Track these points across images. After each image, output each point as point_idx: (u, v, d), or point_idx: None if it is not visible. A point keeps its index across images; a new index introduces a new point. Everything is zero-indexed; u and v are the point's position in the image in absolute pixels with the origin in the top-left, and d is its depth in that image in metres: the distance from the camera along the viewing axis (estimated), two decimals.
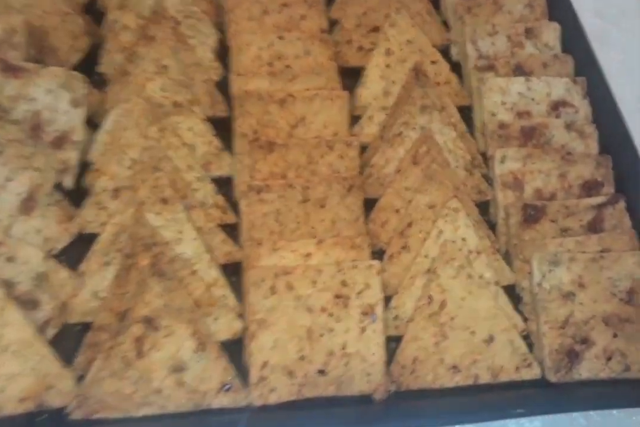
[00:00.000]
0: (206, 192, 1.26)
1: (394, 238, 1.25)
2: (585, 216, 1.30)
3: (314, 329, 1.11)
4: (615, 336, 1.17)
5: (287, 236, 1.20)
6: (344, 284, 1.14)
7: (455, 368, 1.15)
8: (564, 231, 1.30)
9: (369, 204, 1.28)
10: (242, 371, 1.09)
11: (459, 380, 1.14)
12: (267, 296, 1.11)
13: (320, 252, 1.17)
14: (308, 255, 1.18)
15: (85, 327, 1.08)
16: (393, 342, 1.16)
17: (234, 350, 1.12)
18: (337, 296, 1.12)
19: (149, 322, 1.03)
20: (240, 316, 1.15)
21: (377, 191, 1.32)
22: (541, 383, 1.16)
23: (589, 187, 1.35)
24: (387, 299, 1.17)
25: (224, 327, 1.15)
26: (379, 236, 1.28)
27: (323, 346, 1.10)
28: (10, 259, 1.06)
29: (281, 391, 1.05)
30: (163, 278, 1.07)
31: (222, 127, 1.34)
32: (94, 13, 1.40)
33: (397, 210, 1.29)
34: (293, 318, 1.10)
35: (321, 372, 1.09)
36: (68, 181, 1.23)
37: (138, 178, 1.17)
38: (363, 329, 1.12)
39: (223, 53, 1.39)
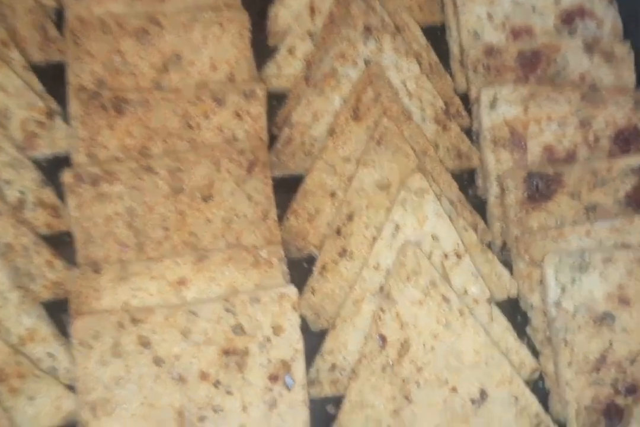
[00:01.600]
0: (24, 184, 1.03)
1: (328, 239, 1.06)
2: (622, 184, 1.09)
3: (188, 410, 0.91)
4: None
5: (148, 251, 1.00)
6: (237, 330, 0.93)
7: None
8: (591, 210, 1.09)
9: (287, 187, 1.10)
10: None
11: None
12: (106, 361, 0.91)
13: (202, 277, 0.96)
14: (181, 282, 0.96)
15: None
16: (325, 405, 1.01)
17: None
18: (227, 352, 0.92)
19: None
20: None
21: (299, 165, 1.12)
22: None
23: (626, 139, 1.14)
24: (317, 339, 1.02)
25: (46, 409, 0.94)
26: (305, 236, 1.08)
27: None
28: None
29: None
30: None
31: (60, 79, 1.10)
32: None
33: (332, 195, 1.08)
34: (153, 395, 0.91)
35: None
36: None
37: None
38: (272, 404, 0.92)
39: None
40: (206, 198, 1.02)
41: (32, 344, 0.95)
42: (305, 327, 0.98)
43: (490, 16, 1.20)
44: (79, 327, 0.91)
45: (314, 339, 1.00)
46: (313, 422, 0.95)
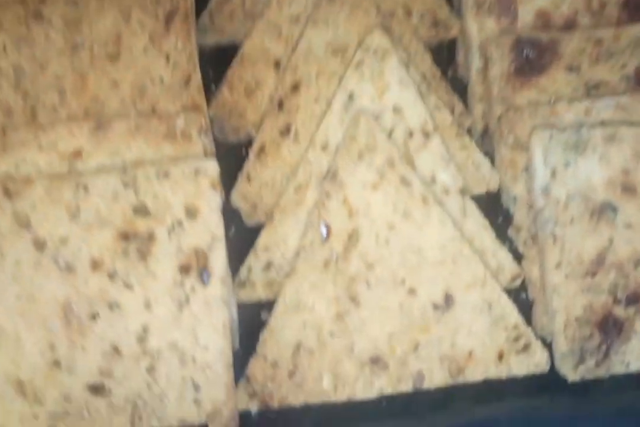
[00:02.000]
0: None
1: (268, 116, 1.01)
2: (630, 57, 1.03)
3: (77, 305, 0.84)
4: None
5: (39, 118, 0.93)
6: (140, 210, 0.85)
7: (376, 362, 0.91)
8: (594, 88, 1.03)
9: (222, 56, 1.04)
10: None
11: (383, 385, 0.91)
12: None
13: (101, 149, 0.88)
14: (76, 155, 0.88)
15: None
16: (258, 312, 0.95)
17: None
18: (126, 236, 0.85)
19: None
20: None
21: (237, 29, 1.06)
22: (549, 382, 0.95)
23: (637, 5, 1.07)
24: (252, 235, 0.96)
25: None
26: (242, 113, 1.03)
27: (97, 339, 0.85)
28: None
29: None
30: None
31: None
32: None
33: (276, 64, 1.03)
34: (32, 286, 0.84)
35: (95, 390, 0.85)
36: None
37: None
38: (183, 301, 0.84)
39: None
40: (112, 56, 0.95)
41: None
42: (238, 222, 0.94)
43: None
44: None
45: (248, 235, 0.96)
46: (244, 331, 0.90)
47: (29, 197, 0.83)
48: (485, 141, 1.06)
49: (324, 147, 0.96)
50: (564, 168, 0.95)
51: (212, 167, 0.86)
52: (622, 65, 1.03)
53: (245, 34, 1.04)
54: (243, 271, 0.94)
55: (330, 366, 0.88)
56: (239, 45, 1.04)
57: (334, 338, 0.90)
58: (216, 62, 1.03)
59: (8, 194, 0.83)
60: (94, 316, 0.84)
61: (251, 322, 0.94)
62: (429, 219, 0.92)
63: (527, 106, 1.02)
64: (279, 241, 0.96)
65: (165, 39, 0.96)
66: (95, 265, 0.84)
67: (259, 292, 0.94)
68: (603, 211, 0.95)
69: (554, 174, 0.95)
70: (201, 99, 0.97)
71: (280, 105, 0.99)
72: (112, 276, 0.84)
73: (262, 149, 0.99)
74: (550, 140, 0.96)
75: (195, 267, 0.85)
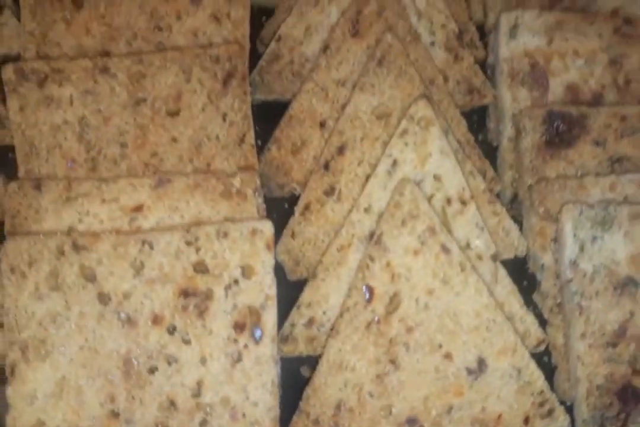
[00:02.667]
0: None
1: (314, 175, 1.05)
2: None
3: (137, 359, 0.89)
4: None
5: (100, 171, 0.97)
6: (199, 268, 0.90)
7: (413, 423, 0.95)
8: (617, 162, 1.08)
9: (270, 113, 1.09)
10: None
11: None
12: (42, 294, 0.89)
13: (162, 205, 0.94)
14: (137, 209, 0.93)
15: None
16: (298, 367, 1.00)
17: None
18: (186, 293, 0.90)
19: None
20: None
21: (285, 88, 1.11)
22: None
23: None
24: (294, 290, 1.01)
25: None
26: (288, 171, 1.07)
27: (155, 392, 0.89)
28: None
29: None
30: None
31: None
32: None
33: (322, 124, 1.07)
34: (95, 338, 0.88)
35: None
36: None
37: None
38: (236, 358, 0.90)
39: None
40: (172, 113, 0.99)
41: None
42: (281, 276, 0.96)
43: None
44: (11, 250, 0.89)
45: (290, 290, 0.99)
46: (283, 384, 0.93)
47: (96, 251, 0.87)
48: (514, 207, 1.10)
49: (367, 210, 1.00)
50: (592, 243, 1.00)
51: (267, 228, 0.91)
52: None
53: (293, 94, 1.08)
54: (286, 326, 0.96)
55: (369, 426, 0.91)
56: (286, 103, 1.08)
57: (373, 398, 0.94)
58: (263, 119, 1.06)
59: (76, 248, 0.87)
60: (152, 370, 0.89)
61: (291, 376, 0.98)
62: (466, 286, 0.96)
63: (556, 179, 1.06)
64: (321, 298, 1.00)
65: (223, 98, 1.01)
66: (156, 320, 0.88)
67: (301, 348, 0.98)
68: (626, 285, 0.99)
69: (582, 248, 1.00)
70: (254, 158, 1.02)
71: (326, 166, 1.03)
72: (171, 330, 0.88)
73: (306, 207, 1.03)
74: (580, 216, 1.01)
75: (248, 325, 0.89)
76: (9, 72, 0.98)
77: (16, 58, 1.07)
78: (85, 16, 1.02)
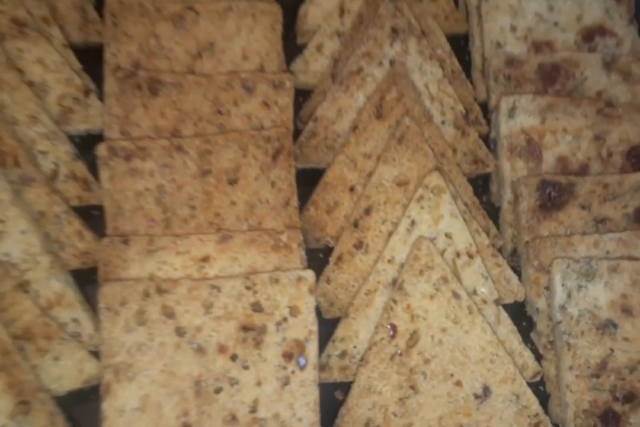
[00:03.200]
0: (58, 156, 1.08)
1: (345, 231, 1.10)
2: (631, 199, 1.13)
3: (205, 380, 0.96)
4: None
5: (174, 228, 1.05)
6: (256, 308, 0.99)
7: None
8: (600, 223, 1.13)
9: (308, 179, 1.15)
10: None
11: None
12: (130, 327, 0.96)
13: (225, 256, 1.02)
14: (204, 260, 1.01)
15: None
16: (333, 391, 1.07)
17: None
18: (245, 328, 0.98)
19: None
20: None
21: (321, 159, 1.17)
22: None
23: (638, 156, 1.18)
24: (329, 326, 1.06)
25: (69, 371, 0.98)
26: (323, 227, 1.13)
27: (220, 408, 0.96)
28: None
29: None
30: None
31: (96, 60, 1.15)
32: None
33: (351, 189, 1.13)
34: (173, 363, 0.96)
35: None
36: None
37: None
38: (285, 381, 0.97)
39: None
40: (232, 181, 1.06)
41: (59, 309, 1.00)
42: (318, 314, 1.02)
43: (513, 28, 1.25)
44: (107, 292, 0.96)
45: (326, 326, 1.04)
46: (320, 406, 0.99)
47: (175, 294, 0.96)
48: (514, 259, 1.15)
49: (390, 261, 1.06)
50: (577, 291, 1.05)
51: (310, 276, 0.99)
52: (624, 206, 1.13)
53: (328, 164, 1.14)
54: (323, 357, 1.02)
55: None
56: (322, 171, 1.14)
57: (397, 418, 1.00)
58: (302, 184, 1.11)
59: (159, 291, 0.96)
60: (218, 390, 0.95)
61: (328, 399, 1.04)
62: (474, 326, 1.02)
63: (549, 237, 1.10)
64: (352, 334, 1.04)
65: (273, 170, 1.07)
66: (221, 349, 0.96)
67: (335, 375, 1.04)
68: (606, 327, 1.04)
69: (569, 295, 1.05)
70: (297, 218, 1.07)
71: (355, 224, 1.08)
72: (233, 358, 0.95)
73: (339, 258, 1.08)
74: (568, 268, 1.05)
75: (295, 355, 0.96)
76: (102, 149, 1.04)
77: (99, 134, 1.11)
78: (160, 102, 1.08)
